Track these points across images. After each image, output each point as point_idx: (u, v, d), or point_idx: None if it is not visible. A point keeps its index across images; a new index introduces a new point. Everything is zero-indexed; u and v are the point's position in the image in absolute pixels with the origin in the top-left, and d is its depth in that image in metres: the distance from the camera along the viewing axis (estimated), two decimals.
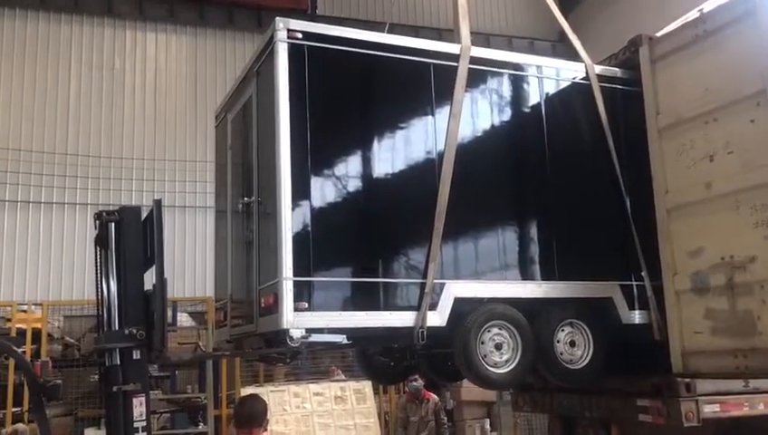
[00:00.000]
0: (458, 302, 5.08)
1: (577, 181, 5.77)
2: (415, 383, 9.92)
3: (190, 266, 14.26)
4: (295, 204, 4.73)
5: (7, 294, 13.00)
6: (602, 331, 5.50)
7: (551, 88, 5.86)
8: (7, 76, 14.21)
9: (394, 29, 8.21)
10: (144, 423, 4.65)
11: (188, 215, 14.57)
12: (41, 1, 14.65)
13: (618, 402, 5.95)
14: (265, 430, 4.85)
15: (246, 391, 9.46)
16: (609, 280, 5.65)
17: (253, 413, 4.80)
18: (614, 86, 6.02)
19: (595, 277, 5.60)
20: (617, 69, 6.12)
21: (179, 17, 15.63)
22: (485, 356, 5.07)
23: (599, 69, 6.05)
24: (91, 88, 14.77)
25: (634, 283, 5.72)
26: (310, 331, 4.61)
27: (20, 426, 5.42)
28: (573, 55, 6.26)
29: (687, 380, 5.41)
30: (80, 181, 14.16)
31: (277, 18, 4.93)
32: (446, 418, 10.49)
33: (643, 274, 5.72)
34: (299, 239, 4.69)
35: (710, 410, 5.43)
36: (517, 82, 5.74)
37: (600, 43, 8.61)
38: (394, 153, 5.19)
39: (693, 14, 10.41)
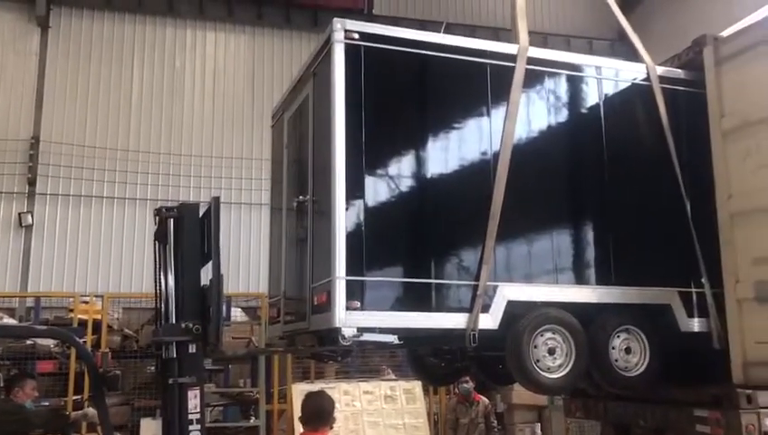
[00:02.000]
0: (511, 305, 5.02)
1: (635, 185, 5.64)
2: (465, 385, 9.85)
3: (244, 262, 14.47)
4: (349, 203, 4.75)
5: (69, 286, 13.46)
6: (659, 338, 5.37)
7: (610, 89, 5.75)
8: (73, 74, 14.68)
9: (450, 29, 8.15)
10: (198, 415, 4.73)
11: (243, 211, 14.79)
12: (106, 1, 15.12)
13: (674, 412, 5.81)
14: (332, 428, 4.72)
15: (298, 387, 9.55)
16: (668, 286, 5.50)
17: (319, 410, 4.67)
18: (676, 88, 5.86)
19: (653, 283, 5.45)
20: (679, 70, 5.96)
21: (238, 17, 15.92)
22: (538, 361, 5.00)
23: (660, 70, 5.91)
24: (153, 86, 15.15)
25: (693, 290, 5.55)
26: (361, 330, 4.61)
27: (89, 410, 5.61)
28: (633, 55, 6.13)
29: (749, 391, 5.24)
30: (140, 177, 14.54)
31: (335, 19, 4.96)
32: (496, 421, 10.40)
33: (703, 280, 5.55)
34: (352, 239, 4.71)
35: None
36: (575, 84, 5.64)
37: (662, 44, 8.39)
38: (448, 154, 5.16)
39: (761, 13, 10.08)
